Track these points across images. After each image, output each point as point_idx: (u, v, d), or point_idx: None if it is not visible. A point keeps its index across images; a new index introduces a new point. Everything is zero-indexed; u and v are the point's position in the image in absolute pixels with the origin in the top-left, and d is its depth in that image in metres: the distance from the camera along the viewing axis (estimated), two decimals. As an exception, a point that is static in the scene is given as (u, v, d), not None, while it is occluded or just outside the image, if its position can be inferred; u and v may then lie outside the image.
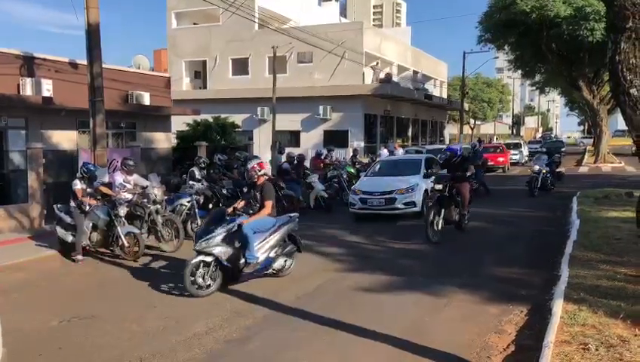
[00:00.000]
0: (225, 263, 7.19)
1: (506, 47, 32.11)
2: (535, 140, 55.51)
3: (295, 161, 15.75)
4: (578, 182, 20.22)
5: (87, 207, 9.41)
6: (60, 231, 9.77)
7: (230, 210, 7.84)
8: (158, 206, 10.27)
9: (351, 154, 21.76)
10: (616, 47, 5.80)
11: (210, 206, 12.22)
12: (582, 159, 35.77)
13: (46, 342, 5.78)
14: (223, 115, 22.38)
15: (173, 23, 34.93)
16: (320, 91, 30.48)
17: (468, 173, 10.80)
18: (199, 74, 36.37)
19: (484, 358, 4.97)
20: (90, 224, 9.48)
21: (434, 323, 5.96)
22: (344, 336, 5.61)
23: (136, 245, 9.43)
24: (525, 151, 34.61)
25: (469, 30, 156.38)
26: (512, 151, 31.24)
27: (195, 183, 12.60)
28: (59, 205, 10.10)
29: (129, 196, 10.00)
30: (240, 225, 7.41)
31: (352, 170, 17.63)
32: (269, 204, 7.69)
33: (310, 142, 30.94)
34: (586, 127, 75.31)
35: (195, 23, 35.19)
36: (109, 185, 10.49)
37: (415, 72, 40.98)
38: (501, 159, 27.56)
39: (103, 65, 12.22)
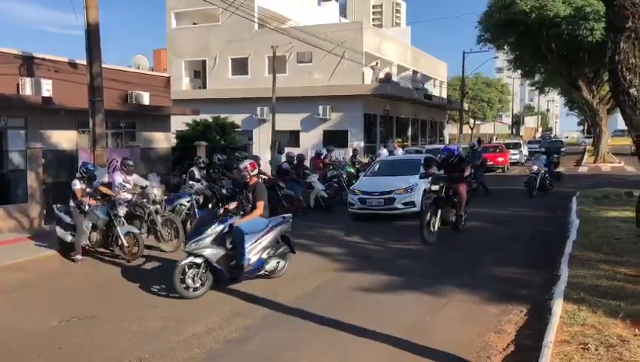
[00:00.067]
0: (215, 265, 7.10)
1: (505, 47, 32.12)
2: (534, 140, 55.53)
3: (295, 161, 15.75)
4: (578, 181, 20.23)
5: (87, 207, 9.41)
6: (59, 231, 9.76)
7: (222, 211, 7.75)
8: (158, 206, 10.27)
9: (350, 154, 21.76)
10: (615, 47, 5.81)
11: (210, 206, 12.22)
12: (581, 159, 35.78)
13: (46, 342, 5.78)
14: (222, 115, 22.37)
15: (173, 22, 34.92)
16: (319, 91, 30.48)
17: (465, 174, 10.72)
18: (199, 74, 36.37)
19: (483, 358, 4.97)
20: (90, 224, 9.47)
21: (434, 323, 5.96)
22: (344, 336, 5.61)
23: (135, 245, 9.42)
24: (525, 151, 34.63)
25: (469, 30, 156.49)
26: (512, 151, 31.26)
27: (194, 183, 12.60)
28: (58, 205, 10.09)
29: (128, 196, 9.99)
30: (231, 226, 7.34)
31: (352, 170, 17.63)
32: (261, 204, 7.62)
33: (310, 142, 30.94)
34: (586, 127, 75.37)
35: (194, 23, 35.19)
36: (109, 185, 10.48)
37: (415, 72, 40.98)
38: (500, 159, 27.58)
39: (103, 65, 12.21)
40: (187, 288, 7.00)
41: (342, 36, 30.28)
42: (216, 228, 7.24)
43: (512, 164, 30.26)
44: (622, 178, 21.59)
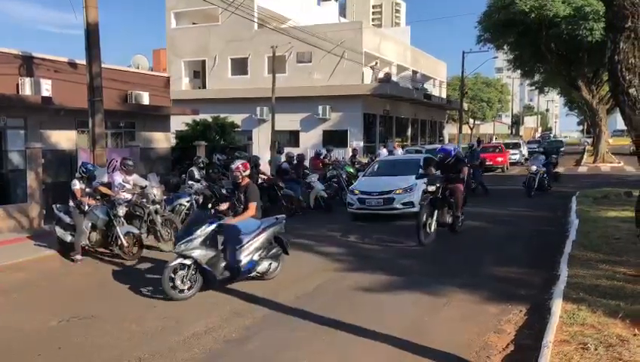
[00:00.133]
0: (205, 266, 7.03)
1: (505, 47, 32.12)
2: (534, 140, 55.54)
3: (294, 161, 15.76)
4: (577, 181, 20.26)
5: (87, 207, 9.41)
6: (59, 231, 9.76)
7: (212, 211, 7.70)
8: (157, 206, 10.28)
9: (350, 154, 21.77)
10: (615, 47, 5.82)
11: (210, 206, 12.21)
12: (581, 159, 35.81)
13: (45, 342, 5.77)
14: (222, 115, 22.38)
15: (173, 22, 34.90)
16: (319, 91, 30.47)
17: (462, 175, 10.58)
18: (198, 74, 36.35)
19: (483, 358, 4.98)
20: (90, 224, 9.46)
21: (433, 323, 5.96)
22: (344, 336, 5.61)
23: (135, 245, 9.42)
24: (524, 151, 34.66)
25: (469, 30, 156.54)
26: (511, 151, 31.30)
27: (194, 183, 12.61)
28: (58, 205, 10.08)
29: (128, 196, 9.99)
30: (222, 227, 7.29)
31: (352, 170, 17.63)
32: (253, 205, 7.54)
33: (309, 141, 30.93)
34: (585, 127, 75.39)
35: (194, 23, 35.17)
36: (108, 185, 10.48)
37: (414, 72, 40.98)
38: (500, 159, 27.63)
39: (102, 65, 12.21)
40: (176, 289, 6.93)
41: (341, 36, 30.27)
42: (206, 229, 7.15)
43: (512, 163, 30.31)
44: (621, 178, 21.61)
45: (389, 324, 5.83)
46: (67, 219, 9.63)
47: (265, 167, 18.04)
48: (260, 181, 14.61)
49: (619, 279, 6.64)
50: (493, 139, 54.45)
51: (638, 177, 20.15)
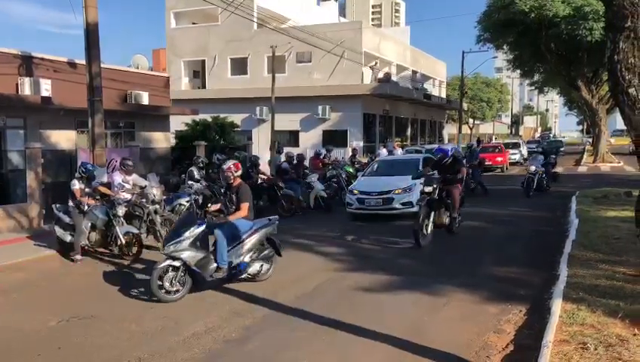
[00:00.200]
0: (193, 268, 6.96)
1: (504, 47, 32.13)
2: (534, 140, 55.55)
3: (294, 161, 15.76)
4: (577, 181, 20.26)
5: (86, 207, 9.40)
6: (58, 231, 9.75)
7: (201, 212, 7.62)
8: (157, 206, 10.27)
9: (350, 153, 21.76)
10: (614, 47, 5.82)
11: (209, 205, 12.21)
12: (581, 159, 35.82)
13: (45, 342, 5.77)
14: (221, 115, 22.36)
15: (172, 22, 34.89)
16: (319, 91, 30.47)
17: (459, 176, 10.52)
18: (198, 73, 36.34)
19: (483, 358, 4.98)
20: (89, 224, 9.46)
21: (433, 323, 5.96)
22: (344, 336, 5.61)
23: (135, 245, 9.41)
24: (524, 151, 34.68)
25: (468, 30, 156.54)
26: (511, 151, 31.31)
27: (193, 183, 12.60)
28: (57, 205, 10.07)
29: (128, 196, 9.99)
30: (212, 228, 7.24)
31: (351, 170, 17.63)
32: (245, 206, 7.46)
33: (309, 141, 30.94)
34: (585, 127, 75.38)
35: (193, 23, 35.17)
36: (108, 185, 10.48)
37: (414, 72, 40.99)
38: (500, 159, 27.64)
39: (102, 65, 12.21)
40: (165, 291, 6.89)
41: (341, 36, 30.28)
42: (195, 231, 7.08)
43: (512, 163, 30.32)
44: (621, 178, 21.61)
45: (388, 324, 5.83)
46: (67, 219, 9.62)
47: (265, 167, 18.04)
48: (259, 181, 14.63)
49: (618, 279, 6.64)
50: (493, 139, 54.45)
51: (637, 177, 20.15)
